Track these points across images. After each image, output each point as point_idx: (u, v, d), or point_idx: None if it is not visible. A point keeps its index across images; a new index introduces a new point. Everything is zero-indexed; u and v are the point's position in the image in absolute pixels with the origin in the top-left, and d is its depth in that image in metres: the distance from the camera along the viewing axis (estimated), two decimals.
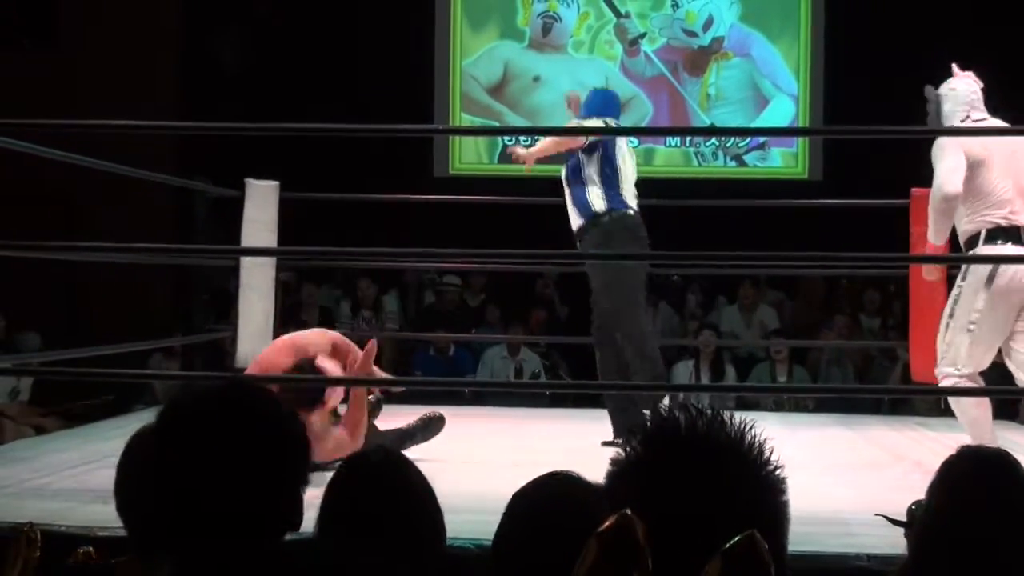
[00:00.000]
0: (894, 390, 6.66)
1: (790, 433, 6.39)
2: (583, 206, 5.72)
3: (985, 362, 4.95)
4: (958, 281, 4.94)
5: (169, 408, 1.75)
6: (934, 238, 4.95)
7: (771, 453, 1.29)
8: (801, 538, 3.82)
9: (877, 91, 9.38)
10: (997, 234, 4.87)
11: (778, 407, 8.01)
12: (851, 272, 7.83)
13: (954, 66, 5.19)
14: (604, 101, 6.06)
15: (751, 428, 1.29)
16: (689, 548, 1.21)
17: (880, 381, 8.22)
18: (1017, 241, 4.87)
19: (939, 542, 2.04)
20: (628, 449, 1.31)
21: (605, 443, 5.50)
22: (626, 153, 5.85)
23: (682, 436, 1.28)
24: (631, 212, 5.72)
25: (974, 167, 4.88)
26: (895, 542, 3.49)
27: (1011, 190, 4.92)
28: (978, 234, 4.89)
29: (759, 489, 1.27)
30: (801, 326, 9.80)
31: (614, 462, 1.32)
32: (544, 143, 6.02)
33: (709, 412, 1.28)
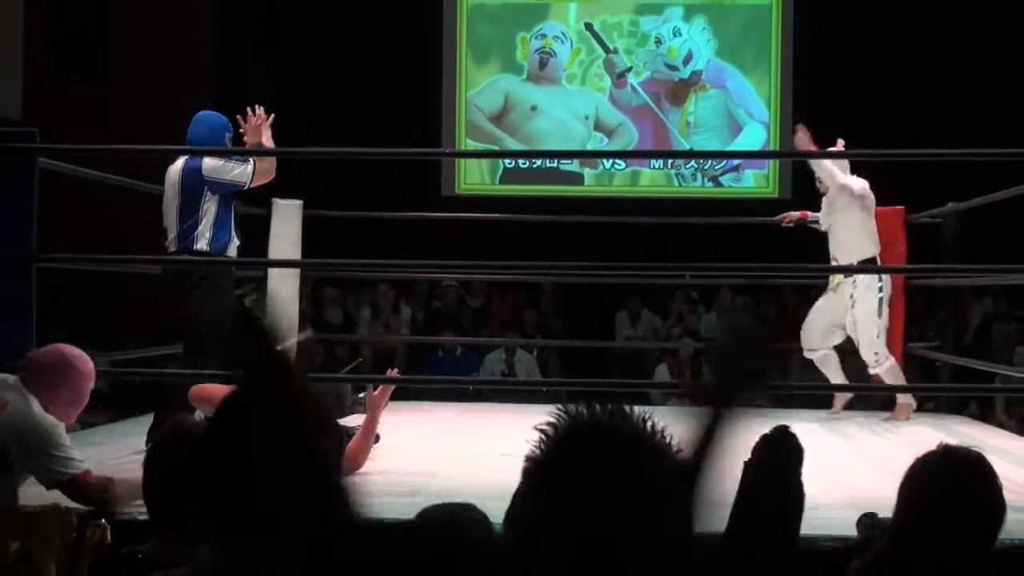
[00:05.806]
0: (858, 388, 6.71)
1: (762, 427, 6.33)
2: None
3: None
4: (879, 293, 6.23)
5: (222, 414, 1.68)
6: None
7: (672, 439, 1.19)
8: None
9: (840, 119, 9.36)
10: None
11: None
12: (817, 282, 7.77)
13: (840, 142, 6.36)
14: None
15: (650, 417, 1.19)
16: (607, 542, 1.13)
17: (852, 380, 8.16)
18: None
19: (916, 533, 2.03)
20: (540, 448, 1.18)
21: None
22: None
23: (592, 430, 1.17)
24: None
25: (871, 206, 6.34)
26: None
27: None
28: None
29: (669, 475, 1.16)
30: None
31: (529, 459, 1.19)
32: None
33: (609, 406, 1.17)
